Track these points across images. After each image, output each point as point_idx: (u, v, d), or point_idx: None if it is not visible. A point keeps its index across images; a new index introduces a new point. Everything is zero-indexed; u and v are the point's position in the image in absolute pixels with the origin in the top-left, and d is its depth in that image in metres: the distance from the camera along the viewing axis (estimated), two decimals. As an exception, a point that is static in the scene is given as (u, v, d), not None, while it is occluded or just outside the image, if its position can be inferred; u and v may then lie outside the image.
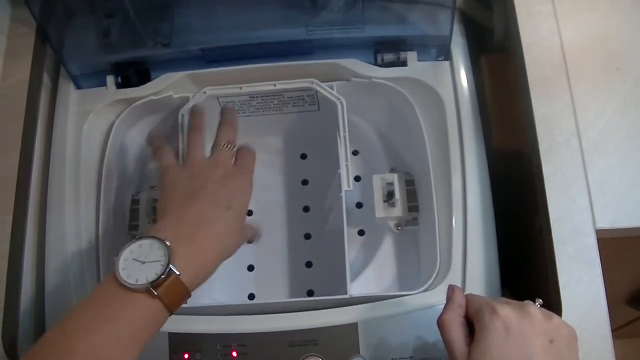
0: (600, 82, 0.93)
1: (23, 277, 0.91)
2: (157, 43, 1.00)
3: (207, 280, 0.78)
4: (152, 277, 0.72)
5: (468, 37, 1.03)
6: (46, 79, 1.02)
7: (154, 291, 0.71)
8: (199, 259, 0.77)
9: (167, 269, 0.72)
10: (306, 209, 1.07)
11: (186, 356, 0.86)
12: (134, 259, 0.74)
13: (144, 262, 0.73)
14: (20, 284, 0.91)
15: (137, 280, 0.71)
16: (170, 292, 0.72)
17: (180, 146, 0.94)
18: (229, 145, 0.89)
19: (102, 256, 0.93)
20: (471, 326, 0.71)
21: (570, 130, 0.90)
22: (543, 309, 0.71)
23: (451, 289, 0.75)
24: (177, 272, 0.73)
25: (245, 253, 1.05)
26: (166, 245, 0.74)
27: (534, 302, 0.72)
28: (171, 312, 0.73)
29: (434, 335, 0.85)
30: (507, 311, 0.69)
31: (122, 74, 1.00)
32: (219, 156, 0.88)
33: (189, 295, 0.75)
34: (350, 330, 0.86)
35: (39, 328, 0.90)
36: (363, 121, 1.07)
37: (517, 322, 0.68)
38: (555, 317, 0.70)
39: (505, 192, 0.95)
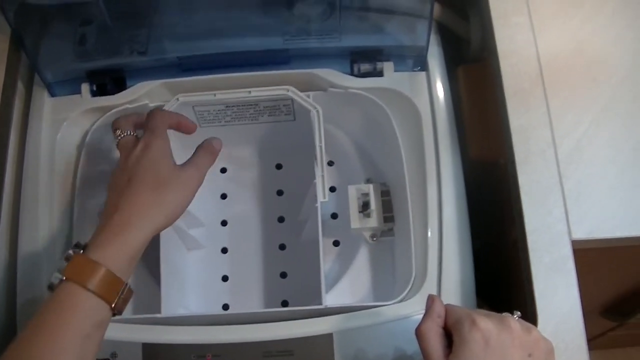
0: (576, 93, 0.93)
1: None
2: (133, 51, 0.99)
3: (132, 250, 0.78)
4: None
5: (444, 47, 1.03)
6: (20, 86, 1.01)
7: (60, 276, 0.73)
8: (108, 233, 0.77)
9: (70, 252, 0.76)
10: (281, 219, 1.07)
11: (160, 366, 0.85)
12: None
13: None
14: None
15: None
16: (77, 270, 0.74)
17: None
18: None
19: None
20: (449, 337, 0.71)
21: (546, 141, 0.90)
22: (522, 322, 0.71)
23: (431, 299, 0.74)
24: (80, 251, 0.75)
25: (220, 263, 1.04)
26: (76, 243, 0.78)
27: (512, 313, 0.72)
28: (105, 298, 0.74)
29: (410, 346, 0.85)
30: (487, 323, 0.68)
31: (98, 81, 0.99)
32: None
33: (106, 270, 0.74)
34: (325, 340, 0.85)
35: (11, 335, 0.89)
36: (339, 131, 1.07)
37: (496, 335, 0.68)
38: (534, 330, 0.70)
39: (481, 202, 0.95)
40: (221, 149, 0.93)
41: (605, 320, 1.23)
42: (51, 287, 0.74)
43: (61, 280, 0.73)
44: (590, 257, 0.88)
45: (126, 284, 0.77)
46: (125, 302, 0.77)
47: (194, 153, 0.90)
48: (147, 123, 0.88)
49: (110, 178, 0.86)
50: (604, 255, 0.93)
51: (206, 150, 0.91)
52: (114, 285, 0.75)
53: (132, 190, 0.81)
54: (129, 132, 0.88)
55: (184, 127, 0.91)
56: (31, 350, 0.70)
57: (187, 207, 0.86)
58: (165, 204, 0.82)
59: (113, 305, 0.75)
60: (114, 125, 0.90)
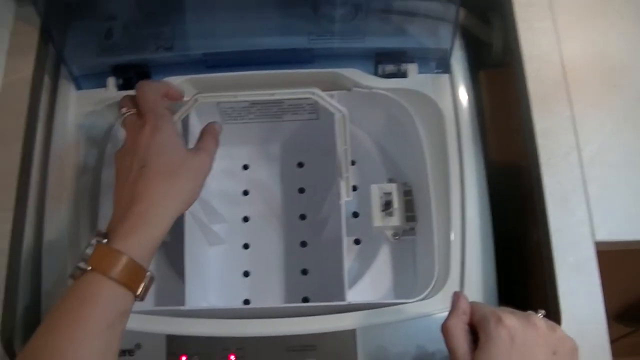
0: (599, 98, 0.95)
1: (21, 273, 0.91)
2: (159, 46, 0.99)
3: (153, 239, 0.79)
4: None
5: (468, 51, 1.04)
6: (46, 79, 1.01)
7: (84, 265, 0.74)
8: (129, 223, 0.78)
9: (93, 242, 0.75)
10: (302, 217, 1.07)
11: (184, 359, 0.85)
12: None
13: None
14: (18, 280, 0.90)
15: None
16: (101, 260, 0.74)
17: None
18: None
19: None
20: (475, 334, 0.71)
21: (570, 145, 0.91)
22: (547, 320, 0.71)
23: (456, 296, 0.75)
24: (104, 241, 0.76)
25: (241, 259, 1.05)
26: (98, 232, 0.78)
27: (536, 312, 0.73)
28: (129, 287, 0.75)
29: (433, 344, 0.85)
30: (513, 321, 0.69)
31: (123, 76, 1.00)
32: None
33: (130, 259, 0.75)
34: (348, 336, 0.86)
35: (36, 324, 0.89)
36: (361, 131, 1.08)
37: (522, 332, 0.69)
38: (558, 328, 0.71)
39: (502, 203, 0.96)
40: (220, 132, 0.94)
41: (619, 326, 1.23)
42: (73, 276, 0.75)
43: (84, 270, 0.74)
44: (605, 261, 0.88)
45: (151, 274, 0.77)
46: (147, 290, 0.78)
47: (200, 137, 0.92)
48: (140, 100, 0.87)
49: (118, 161, 0.85)
50: (619, 260, 0.94)
51: (212, 134, 0.92)
52: (138, 273, 0.75)
53: (147, 180, 0.81)
54: (135, 111, 0.88)
55: (172, 96, 0.91)
56: (55, 340, 0.70)
57: (200, 191, 0.87)
58: (181, 192, 0.83)
59: (137, 294, 0.76)
60: (120, 104, 0.90)
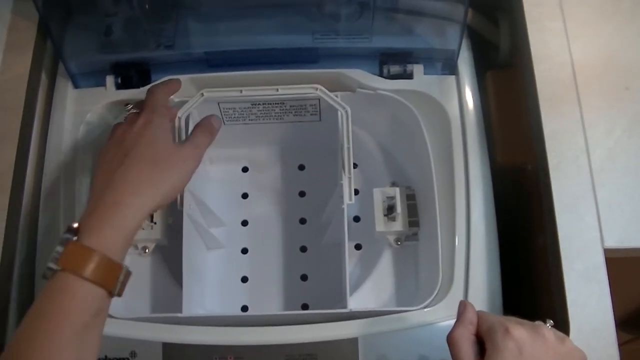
0: (609, 100, 0.93)
1: (15, 274, 0.90)
2: (160, 44, 0.98)
3: (127, 232, 0.76)
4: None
5: (474, 52, 1.02)
6: (43, 76, 0.99)
7: (54, 266, 0.71)
8: (102, 214, 0.75)
9: (62, 239, 0.72)
10: (302, 221, 1.05)
11: (180, 367, 0.83)
12: None
13: None
14: (12, 280, 0.89)
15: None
16: (72, 258, 0.71)
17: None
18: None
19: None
20: (482, 345, 0.69)
21: (580, 148, 0.89)
22: (556, 331, 0.69)
23: (463, 305, 0.73)
24: (74, 238, 0.72)
25: (240, 264, 1.02)
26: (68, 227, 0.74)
27: (545, 322, 0.71)
28: (103, 285, 0.72)
29: (436, 353, 0.83)
30: (521, 332, 0.67)
31: (123, 74, 0.98)
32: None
33: (103, 256, 0.72)
34: (350, 345, 0.83)
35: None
36: (364, 133, 1.06)
37: (530, 344, 0.66)
38: (568, 340, 0.69)
39: (507, 208, 0.94)
40: (220, 127, 0.92)
41: (622, 333, 1.22)
42: (45, 277, 0.72)
43: (56, 270, 0.71)
44: (611, 269, 0.86)
45: (127, 269, 0.75)
46: (124, 285, 0.75)
47: (192, 131, 0.90)
48: (147, 98, 0.87)
49: (102, 152, 0.84)
50: (629, 268, 0.92)
51: (205, 129, 0.90)
52: (112, 270, 0.73)
53: (126, 166, 0.79)
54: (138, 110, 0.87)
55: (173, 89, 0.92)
56: (29, 347, 0.68)
57: (183, 187, 0.85)
58: (162, 182, 0.80)
59: (112, 292, 0.73)
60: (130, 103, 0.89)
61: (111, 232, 0.74)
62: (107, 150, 0.83)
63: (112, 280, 0.73)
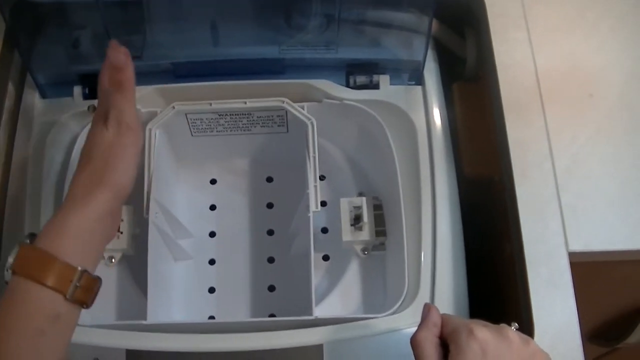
0: (573, 108, 0.94)
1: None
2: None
3: (77, 232, 0.73)
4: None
5: (441, 65, 1.03)
6: (10, 86, 0.99)
7: (8, 271, 0.70)
8: (53, 219, 0.74)
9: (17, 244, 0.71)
10: (270, 232, 1.05)
11: (144, 375, 0.82)
12: None
13: None
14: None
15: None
16: (23, 261, 0.70)
17: (146, 161, 0.93)
18: None
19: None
20: (446, 347, 0.69)
21: (544, 154, 0.90)
22: (520, 333, 0.69)
23: (427, 308, 0.72)
24: (27, 242, 0.72)
25: (207, 275, 1.02)
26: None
27: (509, 325, 0.70)
28: (55, 288, 0.70)
29: (402, 359, 0.82)
30: (485, 333, 0.66)
31: (91, 85, 0.97)
32: None
33: (52, 258, 0.70)
34: (315, 352, 0.83)
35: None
36: (332, 145, 1.06)
37: (494, 345, 0.66)
38: (532, 342, 0.69)
39: (474, 217, 0.95)
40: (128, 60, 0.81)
41: (593, 346, 1.22)
42: (6, 282, 0.71)
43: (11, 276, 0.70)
44: (579, 278, 0.87)
45: (83, 271, 0.72)
46: (87, 291, 0.72)
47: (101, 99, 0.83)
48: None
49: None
50: (595, 274, 0.92)
51: (113, 83, 0.81)
52: (64, 272, 0.70)
53: (78, 171, 0.78)
54: None
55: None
56: None
57: (133, 174, 0.80)
58: (107, 178, 0.77)
59: (68, 296, 0.70)
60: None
61: (61, 234, 0.72)
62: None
63: (65, 282, 0.70)
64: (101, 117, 0.80)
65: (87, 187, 0.76)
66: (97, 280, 0.75)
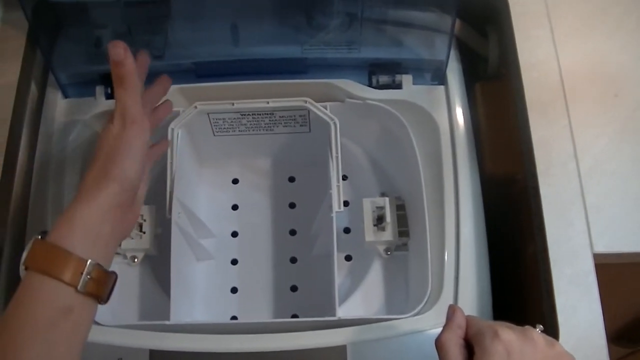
0: (597, 107, 0.93)
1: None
2: (149, 55, 0.98)
3: (86, 225, 0.74)
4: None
5: (463, 64, 1.02)
6: (33, 86, 0.99)
7: (22, 266, 0.71)
8: (63, 214, 0.74)
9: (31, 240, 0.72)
10: (292, 232, 1.05)
11: (167, 375, 0.82)
12: None
13: None
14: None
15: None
16: (35, 256, 0.71)
17: (169, 161, 0.93)
18: None
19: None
20: (470, 349, 0.68)
21: (568, 154, 0.89)
22: (545, 335, 0.68)
23: (452, 309, 0.72)
24: (39, 237, 0.72)
25: (229, 275, 1.02)
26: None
27: (534, 327, 0.70)
28: (66, 280, 0.70)
29: (425, 360, 0.82)
30: (510, 335, 0.66)
31: (112, 85, 0.97)
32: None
33: (62, 250, 0.71)
34: (339, 353, 0.82)
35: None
36: (354, 145, 1.06)
37: (519, 348, 0.65)
38: (557, 344, 0.68)
39: (497, 216, 0.94)
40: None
41: (616, 348, 1.21)
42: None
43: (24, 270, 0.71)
44: (603, 279, 0.86)
45: (94, 263, 0.72)
46: (99, 284, 0.73)
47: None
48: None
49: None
50: (619, 275, 0.92)
51: (116, 80, 0.82)
52: (74, 265, 0.71)
53: (88, 168, 0.79)
54: None
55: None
56: None
57: (139, 167, 0.80)
58: (112, 172, 0.78)
59: (79, 288, 0.71)
60: None
61: (70, 227, 0.73)
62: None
63: (75, 274, 0.70)
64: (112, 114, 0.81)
65: (94, 182, 0.76)
66: (111, 275, 0.76)
